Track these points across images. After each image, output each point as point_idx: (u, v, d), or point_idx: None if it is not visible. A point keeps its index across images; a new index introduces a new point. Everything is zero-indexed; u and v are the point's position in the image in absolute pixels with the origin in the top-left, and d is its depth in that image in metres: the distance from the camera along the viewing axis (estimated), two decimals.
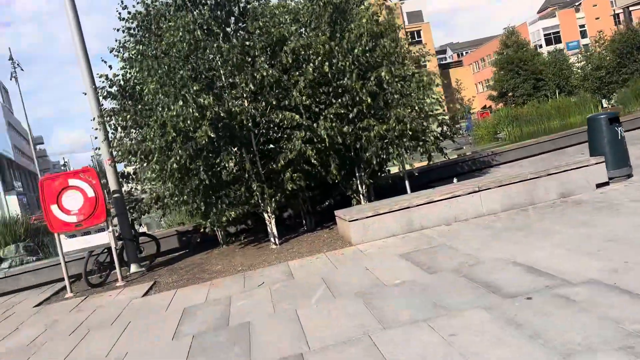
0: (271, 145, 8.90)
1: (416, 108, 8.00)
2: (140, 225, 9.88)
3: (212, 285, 6.67)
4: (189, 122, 6.78)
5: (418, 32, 67.33)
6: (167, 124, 7.09)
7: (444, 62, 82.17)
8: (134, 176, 9.36)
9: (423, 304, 4.35)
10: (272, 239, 8.57)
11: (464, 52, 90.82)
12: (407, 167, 8.83)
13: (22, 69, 54.03)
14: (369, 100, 7.67)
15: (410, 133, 7.94)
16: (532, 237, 5.88)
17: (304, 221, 9.80)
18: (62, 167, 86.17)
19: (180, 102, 6.77)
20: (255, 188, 7.95)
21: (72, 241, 7.99)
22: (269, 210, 8.43)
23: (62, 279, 8.80)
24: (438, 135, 8.31)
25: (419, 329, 3.84)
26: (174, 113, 6.71)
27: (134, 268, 8.75)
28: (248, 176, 8.17)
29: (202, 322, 5.14)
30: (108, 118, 8.73)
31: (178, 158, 7.14)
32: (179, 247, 10.35)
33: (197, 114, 6.76)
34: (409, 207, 7.27)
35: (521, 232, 6.18)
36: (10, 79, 42.29)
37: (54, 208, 7.75)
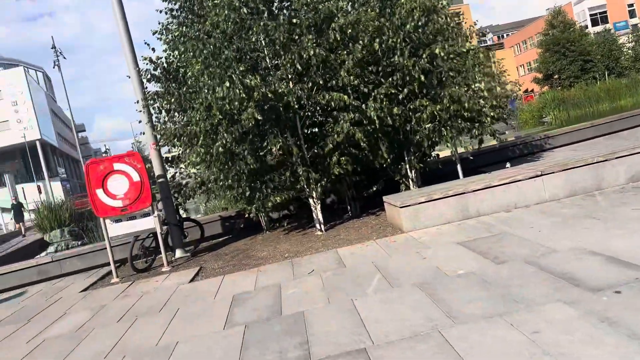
0: (315, 129, 8.62)
1: (473, 87, 7.52)
2: (185, 210, 9.79)
3: (259, 272, 6.46)
4: (236, 103, 6.54)
5: (457, 14, 65.34)
6: (212, 107, 6.87)
7: (484, 44, 79.63)
8: (178, 160, 9.24)
9: (494, 297, 3.98)
10: (317, 225, 8.31)
11: (504, 35, 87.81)
12: (461, 149, 8.31)
13: (64, 57, 55.36)
14: (422, 78, 7.24)
15: (465, 114, 7.48)
16: (605, 224, 5.40)
17: (348, 207, 9.51)
18: (104, 154, 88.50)
19: (227, 83, 6.53)
20: (301, 173, 7.68)
21: (118, 226, 7.93)
22: (314, 196, 8.17)
23: (107, 264, 8.81)
24: (494, 116, 7.79)
25: (495, 324, 3.49)
26: (221, 95, 6.48)
27: (179, 253, 8.67)
28: (293, 160, 7.92)
29: (253, 310, 4.93)
30: (152, 101, 8.61)
31: (224, 141, 6.93)
32: (222, 232, 10.25)
33: (243, 95, 6.51)
34: (464, 193, 6.85)
35: (591, 219, 5.69)
36: (53, 67, 43.40)
37: (100, 192, 7.70)
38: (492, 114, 7.63)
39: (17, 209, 24.05)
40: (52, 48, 41.43)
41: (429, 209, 6.90)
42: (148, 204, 7.82)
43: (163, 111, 8.58)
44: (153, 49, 8.97)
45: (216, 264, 7.68)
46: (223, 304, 5.33)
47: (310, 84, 7.39)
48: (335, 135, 7.52)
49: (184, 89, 7.77)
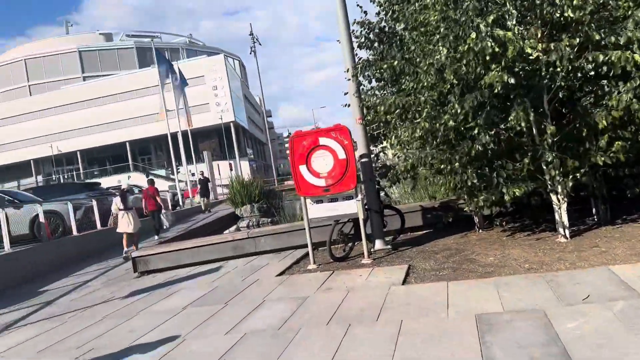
0: (556, 104, 6.68)
1: None
2: (386, 195, 8.66)
3: (498, 286, 4.91)
4: (487, 57, 5.02)
5: None
6: (444, 69, 5.47)
7: None
8: (383, 137, 8.10)
9: None
10: (560, 230, 6.44)
11: None
12: None
13: (259, 44, 59.83)
14: None
15: None
16: None
17: (594, 209, 7.37)
18: (286, 139, 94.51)
19: (473, 35, 5.05)
20: (550, 160, 5.87)
21: (318, 207, 7.07)
22: (559, 191, 6.30)
23: (300, 246, 8.18)
24: None
25: None
26: (465, 48, 5.03)
27: (379, 244, 7.55)
28: (534, 143, 6.15)
29: (518, 346, 3.43)
30: (360, 70, 7.55)
31: (458, 110, 5.47)
32: (423, 224, 8.89)
33: (496, 49, 4.96)
34: None
35: None
36: (250, 53, 46.82)
37: (303, 169, 6.89)
38: None
39: (204, 185, 24.18)
40: (249, 34, 44.74)
41: None
42: (352, 185, 6.79)
43: (373, 80, 7.46)
44: (365, 12, 7.92)
45: (427, 264, 6.33)
46: (466, 327, 3.92)
47: (577, 40, 5.51)
48: (605, 112, 5.56)
49: (414, 47, 6.48)
